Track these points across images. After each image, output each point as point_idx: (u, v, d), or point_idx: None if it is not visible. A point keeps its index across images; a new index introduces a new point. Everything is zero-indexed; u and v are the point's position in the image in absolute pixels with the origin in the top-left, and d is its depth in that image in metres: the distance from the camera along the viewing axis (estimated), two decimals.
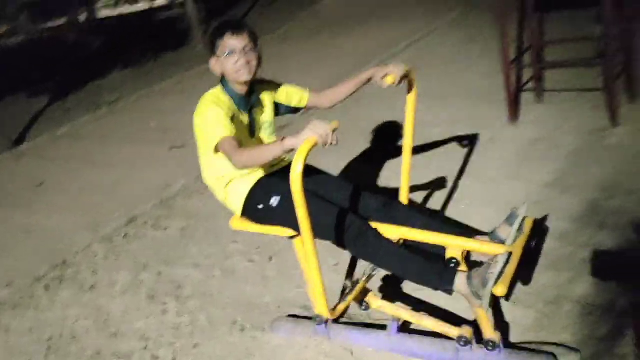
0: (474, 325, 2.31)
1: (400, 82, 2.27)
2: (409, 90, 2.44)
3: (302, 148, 1.82)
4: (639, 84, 4.26)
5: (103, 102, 7.76)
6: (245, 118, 2.39)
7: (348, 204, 2.39)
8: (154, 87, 8.03)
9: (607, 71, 3.89)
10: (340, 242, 2.25)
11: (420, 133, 4.34)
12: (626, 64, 4.23)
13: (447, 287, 2.12)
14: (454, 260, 2.11)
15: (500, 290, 1.86)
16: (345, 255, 3.11)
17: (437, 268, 2.18)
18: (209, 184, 2.51)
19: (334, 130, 1.88)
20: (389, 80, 2.23)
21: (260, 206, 2.33)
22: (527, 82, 4.76)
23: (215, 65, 2.32)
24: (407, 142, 2.57)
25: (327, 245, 3.32)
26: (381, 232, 2.22)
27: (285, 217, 2.29)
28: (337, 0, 11.52)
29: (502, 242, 2.15)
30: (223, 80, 2.36)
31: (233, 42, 2.25)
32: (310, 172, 2.42)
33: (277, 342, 2.60)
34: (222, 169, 2.36)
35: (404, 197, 2.63)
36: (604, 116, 4.10)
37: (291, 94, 2.57)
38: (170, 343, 2.79)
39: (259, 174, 2.43)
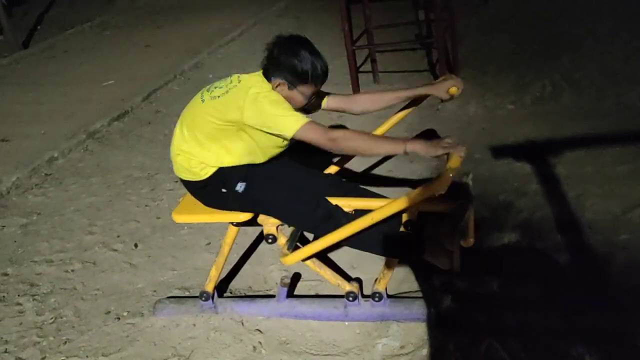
0: (359, 281, 2.46)
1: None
2: None
3: (454, 162, 1.81)
4: (456, 63, 4.78)
5: None
6: None
7: (306, 186, 2.35)
8: None
9: (439, 50, 4.29)
10: (310, 225, 2.26)
11: None
12: (446, 45, 4.69)
13: (420, 255, 2.24)
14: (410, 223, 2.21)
15: (472, 241, 2.02)
16: (217, 235, 3.09)
17: (406, 240, 2.26)
18: (179, 158, 2.26)
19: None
20: (454, 91, 2.24)
21: (224, 190, 2.23)
22: (363, 64, 5.06)
23: (284, 89, 2.14)
24: None
25: (198, 226, 3.27)
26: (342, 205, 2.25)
27: (247, 202, 2.25)
28: None
29: None
30: None
31: (317, 90, 2.19)
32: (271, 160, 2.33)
33: (161, 324, 2.51)
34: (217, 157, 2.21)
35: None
36: None
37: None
38: (35, 342, 2.55)
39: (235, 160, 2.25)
